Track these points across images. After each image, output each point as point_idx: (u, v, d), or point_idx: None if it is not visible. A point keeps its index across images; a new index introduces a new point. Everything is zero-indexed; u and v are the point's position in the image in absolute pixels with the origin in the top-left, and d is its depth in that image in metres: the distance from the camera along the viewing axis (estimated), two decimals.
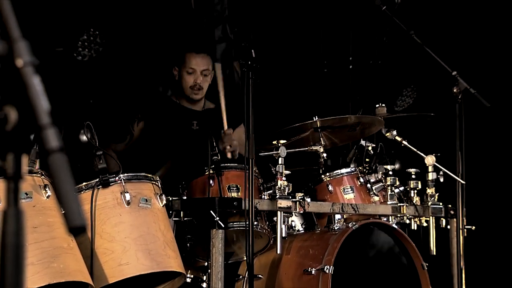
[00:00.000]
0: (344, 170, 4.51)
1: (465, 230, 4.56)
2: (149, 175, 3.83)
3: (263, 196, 4.11)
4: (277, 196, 4.04)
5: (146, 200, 3.71)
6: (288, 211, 4.09)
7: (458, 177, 4.49)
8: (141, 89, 5.88)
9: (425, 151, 4.58)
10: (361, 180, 4.49)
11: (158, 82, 6.07)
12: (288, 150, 4.08)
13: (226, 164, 4.27)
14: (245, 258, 4.21)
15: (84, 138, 3.69)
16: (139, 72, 5.90)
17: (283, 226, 4.05)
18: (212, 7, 6.34)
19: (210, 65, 5.00)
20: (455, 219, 4.57)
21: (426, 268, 4.32)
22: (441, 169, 4.55)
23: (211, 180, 4.08)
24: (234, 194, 4.09)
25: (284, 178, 4.06)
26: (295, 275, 4.17)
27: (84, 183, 3.64)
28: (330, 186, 4.44)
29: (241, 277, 4.33)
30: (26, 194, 3.35)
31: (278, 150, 4.05)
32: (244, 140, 4.94)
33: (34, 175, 3.43)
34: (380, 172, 4.50)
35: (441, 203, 4.60)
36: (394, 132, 4.64)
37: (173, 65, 5.08)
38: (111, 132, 4.99)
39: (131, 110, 5.06)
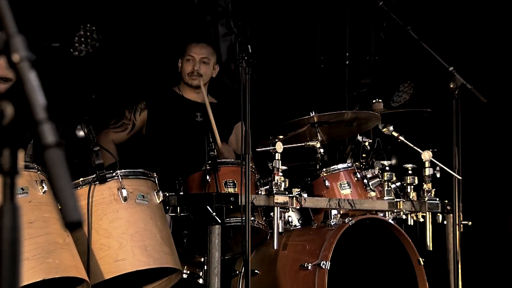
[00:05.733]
0: (341, 166, 4.51)
1: (461, 225, 4.57)
2: (147, 172, 3.83)
3: (259, 192, 4.11)
4: (273, 192, 4.04)
5: (143, 196, 3.71)
6: (284, 207, 4.10)
7: (455, 172, 4.49)
8: (141, 85, 5.87)
9: (421, 146, 4.59)
10: (358, 175, 4.49)
11: (160, 78, 6.07)
12: (285, 146, 4.08)
13: (222, 160, 4.27)
14: (241, 254, 4.21)
15: (81, 133, 3.68)
16: (138, 68, 5.89)
17: (279, 222, 4.05)
18: (216, 2, 6.34)
19: (211, 54, 5.00)
20: (451, 215, 4.57)
21: (422, 264, 4.33)
22: (437, 165, 4.55)
23: (208, 176, 4.08)
24: (230, 190, 4.09)
25: (280, 174, 4.07)
26: (291, 271, 4.17)
27: (81, 179, 3.63)
28: (326, 182, 4.44)
29: (237, 272, 4.33)
30: (22, 189, 3.34)
31: (274, 146, 4.05)
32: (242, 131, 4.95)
33: (30, 170, 3.43)
34: (377, 168, 4.50)
35: (437, 199, 4.61)
36: (391, 128, 4.64)
37: (177, 59, 5.09)
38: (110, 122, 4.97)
39: (133, 100, 5.04)
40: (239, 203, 3.94)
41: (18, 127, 1.28)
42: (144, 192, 3.72)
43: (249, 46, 3.88)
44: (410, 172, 4.57)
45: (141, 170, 3.81)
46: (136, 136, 4.99)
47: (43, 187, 3.41)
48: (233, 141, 5.02)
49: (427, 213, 4.58)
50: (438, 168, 4.55)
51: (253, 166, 4.18)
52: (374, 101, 4.74)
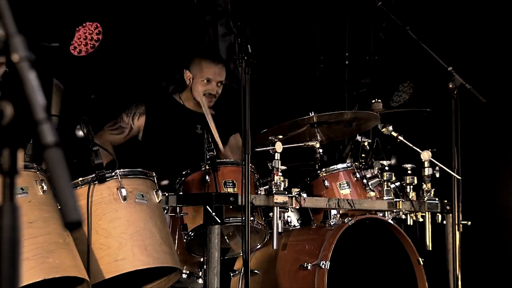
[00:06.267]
0: (340, 166, 4.51)
1: (460, 225, 4.57)
2: (146, 171, 3.83)
3: (259, 192, 4.11)
4: (273, 192, 4.04)
5: (143, 196, 3.71)
6: (284, 207, 4.10)
7: (454, 172, 4.49)
8: (140, 85, 5.87)
9: (421, 146, 4.59)
10: (357, 175, 4.49)
11: (159, 77, 6.06)
12: (284, 146, 4.08)
13: (222, 160, 4.27)
14: (241, 254, 4.21)
15: (80, 133, 3.69)
16: (137, 68, 5.89)
17: (279, 222, 4.05)
18: (215, 2, 6.34)
19: (225, 75, 4.97)
20: (451, 215, 4.57)
21: (422, 264, 4.33)
22: (437, 165, 4.55)
23: (207, 176, 4.08)
24: (230, 190, 4.09)
25: (280, 174, 4.06)
26: (291, 271, 4.17)
27: (80, 179, 3.63)
28: (326, 182, 4.44)
29: (237, 272, 4.34)
30: (22, 189, 3.34)
31: (274, 146, 4.05)
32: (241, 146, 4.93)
33: (30, 170, 3.43)
34: (376, 168, 4.50)
35: (437, 199, 4.61)
36: (390, 128, 4.64)
37: (181, 61, 5.03)
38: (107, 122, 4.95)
39: (131, 103, 5.01)
40: (239, 203, 3.94)
41: (18, 127, 1.28)
42: (144, 191, 3.72)
43: (248, 46, 3.88)
44: (409, 172, 4.57)
45: (140, 169, 3.81)
46: (132, 141, 4.97)
47: (42, 187, 3.41)
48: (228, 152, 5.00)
49: (427, 213, 4.58)
50: (437, 168, 4.55)
51: (253, 166, 4.18)
52: (373, 101, 4.74)
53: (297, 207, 4.19)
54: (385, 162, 4.51)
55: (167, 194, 4.02)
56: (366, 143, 4.61)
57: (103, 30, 5.53)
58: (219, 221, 3.91)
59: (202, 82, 4.89)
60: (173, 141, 4.88)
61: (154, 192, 3.77)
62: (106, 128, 4.88)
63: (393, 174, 4.50)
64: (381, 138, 4.68)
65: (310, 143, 4.43)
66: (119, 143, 4.91)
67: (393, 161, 4.66)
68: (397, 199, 4.48)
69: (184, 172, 4.20)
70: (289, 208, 4.21)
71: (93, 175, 3.63)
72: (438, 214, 4.63)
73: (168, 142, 4.88)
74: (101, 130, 4.86)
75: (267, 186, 4.10)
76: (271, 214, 4.12)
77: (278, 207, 4.05)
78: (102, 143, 4.74)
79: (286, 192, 4.09)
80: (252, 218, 4.04)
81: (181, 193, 4.16)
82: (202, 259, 4.19)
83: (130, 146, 4.98)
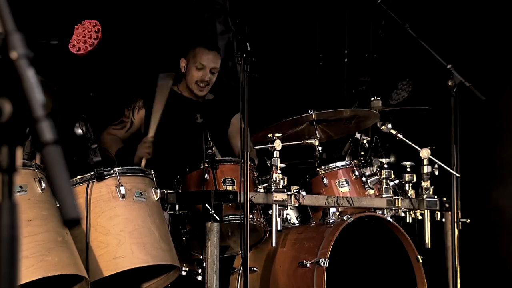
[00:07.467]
0: (339, 163, 4.51)
1: (459, 223, 4.57)
2: (144, 169, 3.82)
3: (258, 189, 4.11)
4: (272, 189, 4.04)
5: (141, 194, 3.70)
6: (283, 204, 4.09)
7: (453, 170, 4.49)
8: (138, 83, 5.87)
9: (420, 144, 4.59)
10: (356, 173, 4.49)
11: (158, 72, 6.06)
12: (283, 144, 4.08)
13: (221, 158, 4.26)
14: (240, 252, 4.21)
15: (79, 131, 3.68)
16: (135, 66, 5.89)
17: (278, 219, 4.05)
18: (213, 0, 6.33)
19: (219, 63, 4.97)
20: (450, 212, 4.57)
21: (420, 261, 4.33)
22: (436, 162, 4.55)
23: (206, 174, 4.08)
24: (229, 188, 4.09)
25: (279, 171, 4.06)
26: (290, 268, 4.17)
27: (79, 177, 3.63)
28: (325, 179, 4.44)
29: (236, 270, 4.34)
30: (21, 187, 3.34)
31: (273, 143, 4.04)
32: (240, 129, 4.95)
33: (29, 168, 3.42)
34: (375, 165, 4.50)
35: (436, 196, 4.61)
36: (389, 125, 4.64)
37: (180, 56, 5.04)
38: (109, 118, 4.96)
39: (130, 98, 5.02)
40: (238, 201, 3.93)
41: (16, 124, 1.28)
42: (142, 189, 3.72)
43: (247, 43, 3.87)
44: (408, 169, 4.57)
45: (139, 167, 3.81)
46: (135, 135, 4.98)
47: (41, 184, 3.41)
48: (232, 133, 5.00)
49: (426, 210, 4.58)
50: (436, 165, 4.55)
51: (251, 164, 4.17)
52: (372, 98, 4.74)
53: (296, 205, 4.19)
54: (384, 160, 4.52)
55: (166, 192, 4.02)
56: (365, 141, 4.61)
57: (101, 28, 5.52)
58: (218, 219, 3.91)
59: (195, 69, 4.90)
60: (172, 132, 4.88)
61: (153, 190, 3.77)
62: (110, 125, 4.91)
63: (392, 172, 4.50)
64: (380, 136, 4.68)
65: (309, 141, 4.43)
66: (122, 138, 4.91)
67: (392, 159, 4.66)
68: (396, 197, 4.48)
69: (183, 170, 4.20)
70: (288, 206, 4.20)
71: (92, 173, 3.63)
72: (437, 211, 4.63)
73: (167, 133, 4.88)
74: (106, 127, 4.90)
75: (266, 184, 4.10)
76: (270, 211, 4.12)
77: (277, 205, 4.05)
78: (111, 139, 4.76)
79: (285, 190, 4.09)
80: (251, 216, 4.03)
81: (180, 191, 4.16)
82: (201, 257, 4.19)
83: (133, 139, 4.99)
